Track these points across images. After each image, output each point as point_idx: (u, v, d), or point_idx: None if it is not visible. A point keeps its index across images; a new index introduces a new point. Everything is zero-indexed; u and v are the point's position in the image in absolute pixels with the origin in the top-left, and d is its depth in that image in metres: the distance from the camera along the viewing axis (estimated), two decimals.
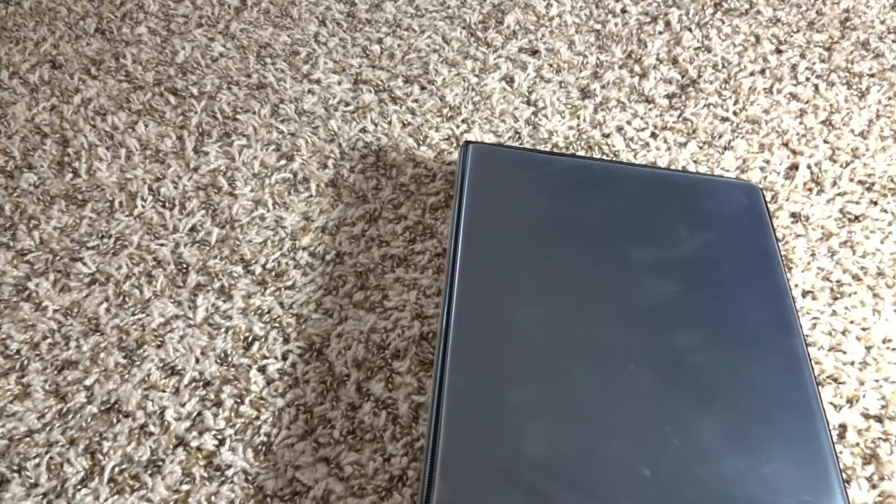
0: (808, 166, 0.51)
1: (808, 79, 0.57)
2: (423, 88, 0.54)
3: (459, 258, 0.38)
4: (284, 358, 0.39)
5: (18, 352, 0.38)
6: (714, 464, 0.32)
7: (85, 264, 0.42)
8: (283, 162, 0.48)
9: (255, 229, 0.45)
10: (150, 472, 0.35)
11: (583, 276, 0.39)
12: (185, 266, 0.43)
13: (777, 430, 0.34)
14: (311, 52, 0.56)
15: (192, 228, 0.44)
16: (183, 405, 0.37)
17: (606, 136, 0.52)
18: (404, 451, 0.36)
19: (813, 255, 0.46)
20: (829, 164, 0.51)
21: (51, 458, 0.35)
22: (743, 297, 0.38)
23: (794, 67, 0.58)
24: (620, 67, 0.57)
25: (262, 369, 0.39)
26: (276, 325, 0.40)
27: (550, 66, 0.57)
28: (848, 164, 0.51)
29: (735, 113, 0.54)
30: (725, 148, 0.51)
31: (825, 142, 0.52)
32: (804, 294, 0.44)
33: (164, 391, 0.37)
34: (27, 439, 0.35)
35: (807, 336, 0.42)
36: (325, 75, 0.54)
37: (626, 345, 0.36)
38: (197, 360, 0.39)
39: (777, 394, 0.35)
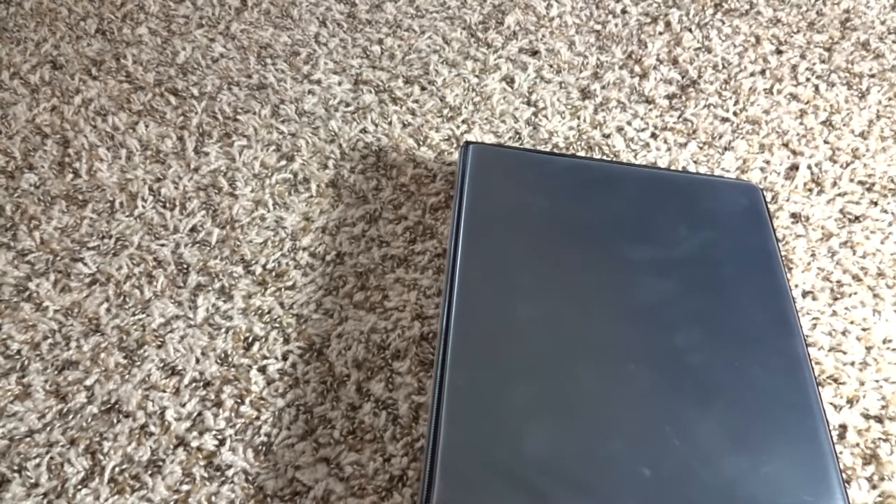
0: (809, 167, 0.51)
1: (808, 79, 0.57)
2: (423, 89, 0.54)
3: (459, 258, 0.38)
4: (285, 358, 0.39)
5: (19, 352, 0.38)
6: (714, 464, 0.32)
7: (85, 264, 0.42)
8: (283, 162, 0.48)
9: (256, 230, 0.45)
10: (150, 472, 0.35)
11: (583, 276, 0.39)
12: (185, 266, 0.43)
13: (777, 431, 0.34)
14: (312, 53, 0.56)
15: (193, 229, 0.44)
16: (183, 405, 0.37)
17: (607, 136, 0.52)
18: (404, 451, 0.36)
19: (813, 255, 0.46)
20: (830, 164, 0.51)
21: (51, 458, 0.35)
22: (743, 297, 0.38)
23: (794, 68, 0.58)
24: (621, 68, 0.57)
25: (263, 369, 0.39)
26: (277, 325, 0.40)
27: (551, 66, 0.57)
28: (848, 165, 0.51)
29: (735, 113, 0.54)
30: (726, 148, 0.51)
31: (825, 142, 0.52)
32: (804, 294, 0.44)
33: (164, 391, 0.37)
34: (28, 439, 0.35)
35: (807, 336, 0.42)
36: (325, 76, 0.54)
37: (627, 345, 0.36)
38: (197, 361, 0.39)
39: (777, 394, 0.35)
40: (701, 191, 0.43)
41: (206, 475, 0.35)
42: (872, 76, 0.58)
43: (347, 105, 0.52)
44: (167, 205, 0.46)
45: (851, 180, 0.50)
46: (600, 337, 0.36)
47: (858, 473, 0.37)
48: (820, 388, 0.39)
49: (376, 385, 0.38)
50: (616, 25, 0.61)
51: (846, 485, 0.36)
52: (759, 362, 0.36)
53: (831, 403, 0.39)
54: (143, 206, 0.45)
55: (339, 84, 0.54)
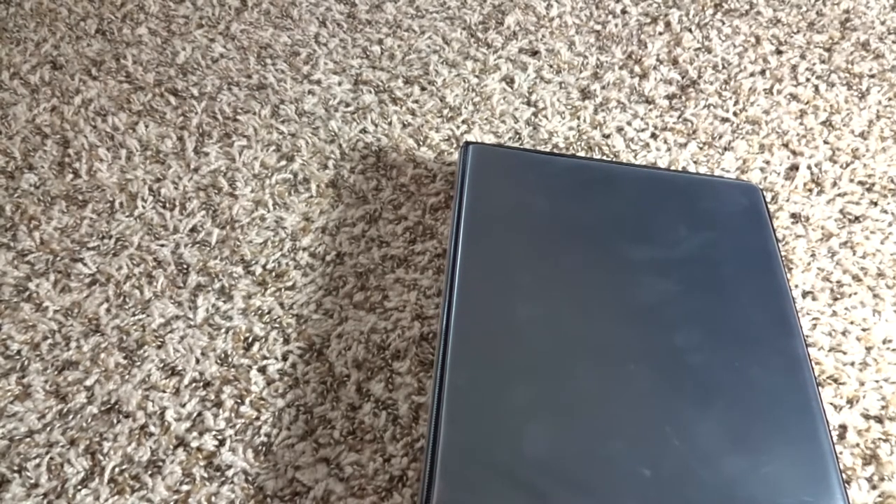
0: (809, 167, 0.51)
1: (808, 79, 0.57)
2: (423, 89, 0.54)
3: (459, 258, 0.38)
4: (285, 358, 0.39)
5: (19, 352, 0.38)
6: (714, 464, 0.32)
7: (85, 265, 0.42)
8: (283, 162, 0.48)
9: (256, 230, 0.45)
10: (150, 472, 0.35)
11: (583, 277, 0.39)
12: (185, 266, 0.43)
13: (777, 431, 0.34)
14: (312, 53, 0.56)
15: (193, 229, 0.44)
16: (183, 405, 0.37)
17: (607, 136, 0.52)
18: (404, 451, 0.36)
19: (813, 255, 0.46)
20: (830, 164, 0.51)
21: (51, 458, 0.35)
22: (743, 297, 0.38)
23: (794, 68, 0.58)
24: (621, 68, 0.57)
25: (263, 370, 0.39)
26: (277, 325, 0.40)
27: (551, 66, 0.57)
28: (848, 165, 0.51)
29: (735, 114, 0.54)
30: (725, 148, 0.51)
31: (825, 142, 0.52)
32: (804, 294, 0.44)
33: (164, 391, 0.37)
34: (28, 440, 0.35)
35: (807, 336, 0.42)
36: (325, 76, 0.54)
37: (627, 345, 0.36)
38: (197, 361, 0.39)
39: (777, 394, 0.35)
40: (701, 191, 0.43)
41: (206, 475, 0.35)
42: (872, 76, 0.58)
43: (347, 105, 0.52)
44: (167, 205, 0.46)
45: (851, 180, 0.50)
46: (600, 337, 0.36)
47: (858, 473, 0.37)
48: (820, 388, 0.39)
49: (376, 385, 0.38)
50: (616, 25, 0.61)
51: (846, 485, 0.36)
52: (759, 362, 0.36)
53: (831, 403, 0.39)
54: (143, 207, 0.45)
55: (339, 84, 0.54)
